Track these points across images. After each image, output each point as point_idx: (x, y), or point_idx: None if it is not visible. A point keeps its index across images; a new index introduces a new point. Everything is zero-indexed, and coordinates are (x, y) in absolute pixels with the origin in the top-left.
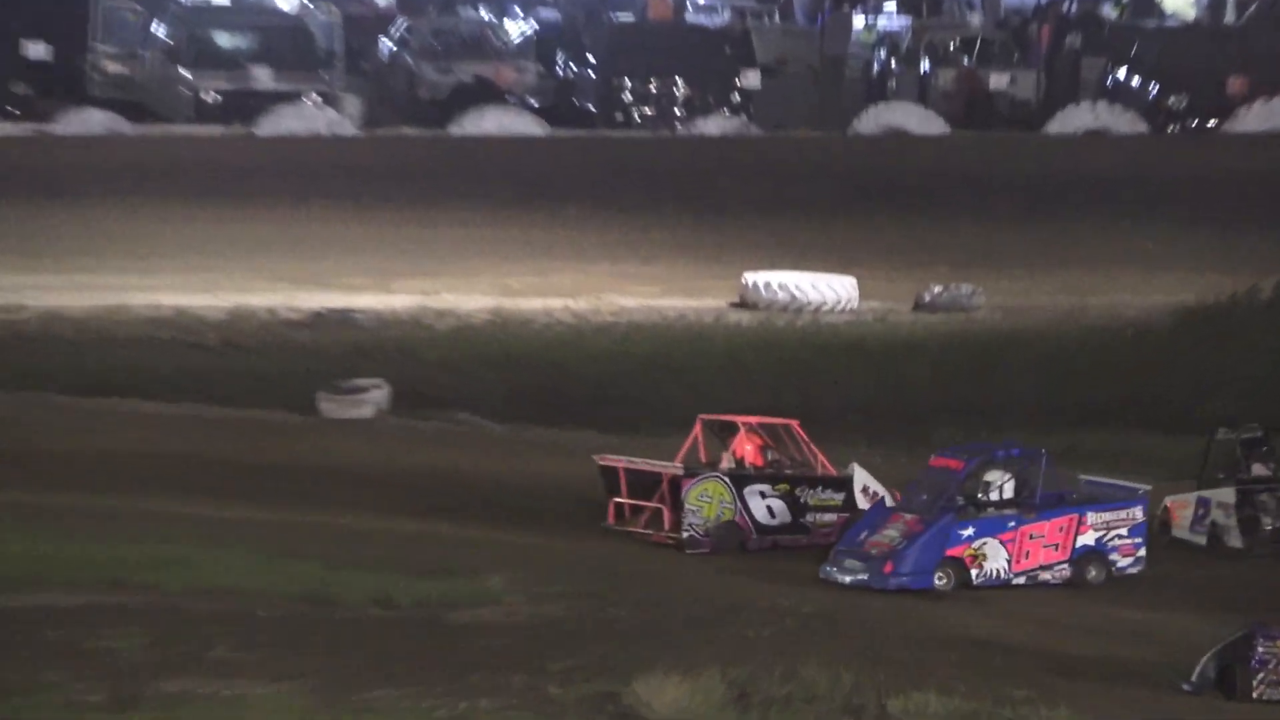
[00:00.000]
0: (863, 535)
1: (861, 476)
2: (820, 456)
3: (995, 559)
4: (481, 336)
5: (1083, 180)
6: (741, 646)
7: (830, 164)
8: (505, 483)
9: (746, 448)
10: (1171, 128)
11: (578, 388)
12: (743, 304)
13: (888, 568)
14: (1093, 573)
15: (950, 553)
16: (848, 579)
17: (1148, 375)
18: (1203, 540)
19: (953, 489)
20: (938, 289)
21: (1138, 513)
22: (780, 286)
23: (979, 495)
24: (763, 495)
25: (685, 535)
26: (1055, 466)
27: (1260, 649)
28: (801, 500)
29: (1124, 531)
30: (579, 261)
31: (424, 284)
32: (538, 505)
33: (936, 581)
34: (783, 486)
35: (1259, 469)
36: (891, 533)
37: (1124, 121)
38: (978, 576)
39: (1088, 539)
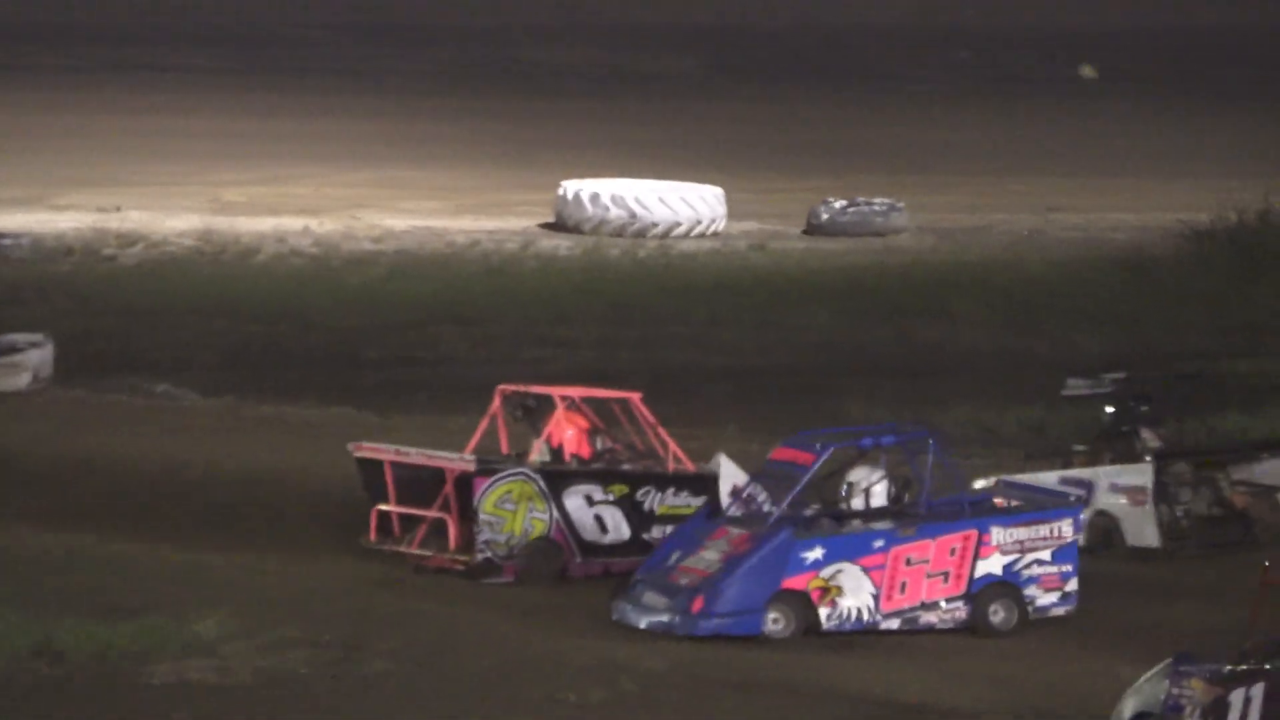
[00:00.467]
0: (673, 557)
1: (730, 472)
2: (672, 445)
3: (855, 593)
4: (184, 271)
5: (1047, 29)
6: None
7: (689, 9)
8: (220, 481)
9: (568, 433)
10: None
11: (322, 345)
12: (560, 224)
13: (696, 604)
14: (999, 614)
15: (788, 583)
16: (644, 621)
17: (1141, 326)
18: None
19: (793, 493)
20: (839, 203)
21: (1065, 528)
22: (614, 200)
23: (841, 502)
24: (590, 500)
25: (479, 558)
26: (949, 457)
27: (1175, 690)
28: (645, 507)
29: (1045, 555)
30: (324, 163)
31: (100, 196)
32: (266, 514)
33: (768, 625)
34: (618, 488)
35: (1149, 436)
36: (710, 555)
37: None
38: (829, 618)
39: (992, 565)
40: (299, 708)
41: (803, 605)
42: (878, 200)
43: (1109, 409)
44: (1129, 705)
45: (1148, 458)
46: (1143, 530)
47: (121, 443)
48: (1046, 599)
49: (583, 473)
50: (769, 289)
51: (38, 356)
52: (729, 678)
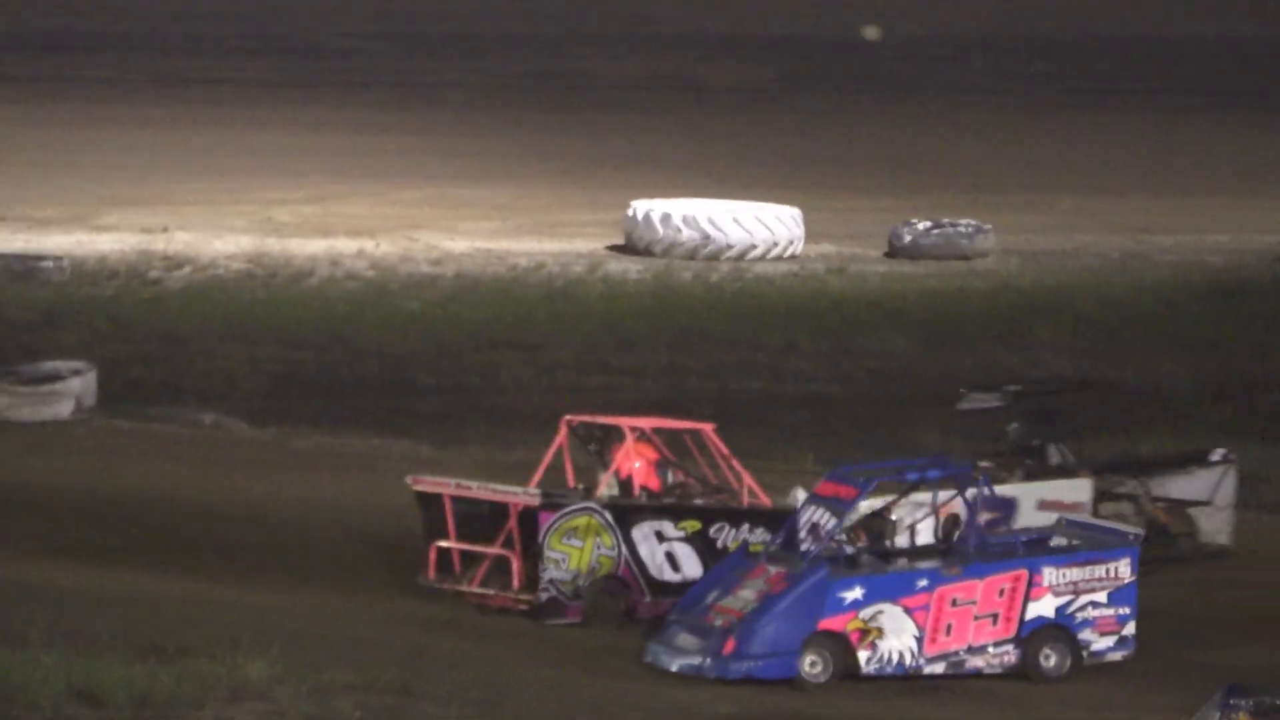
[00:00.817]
0: (710, 597)
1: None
2: (746, 478)
3: (897, 635)
4: (232, 295)
5: (1136, 45)
6: None
7: (758, 19)
8: (268, 516)
9: (636, 465)
10: None
11: (376, 373)
12: (629, 247)
13: (728, 646)
14: (1051, 659)
15: (825, 624)
16: (676, 664)
17: (1231, 354)
18: None
19: (833, 529)
20: (923, 225)
21: (1123, 569)
22: (686, 221)
23: (886, 539)
24: (660, 537)
25: (543, 597)
26: (993, 490)
27: None
28: (719, 544)
29: (1101, 597)
30: (378, 180)
31: (145, 216)
32: (318, 551)
33: (805, 668)
34: (690, 523)
35: (1056, 451)
36: (747, 594)
37: None
38: (869, 661)
39: (1043, 608)
40: None
41: (841, 647)
42: (963, 221)
43: (1014, 427)
44: None
45: (1082, 472)
46: None
47: (166, 475)
48: (1102, 643)
49: (653, 507)
50: (847, 314)
51: (80, 384)
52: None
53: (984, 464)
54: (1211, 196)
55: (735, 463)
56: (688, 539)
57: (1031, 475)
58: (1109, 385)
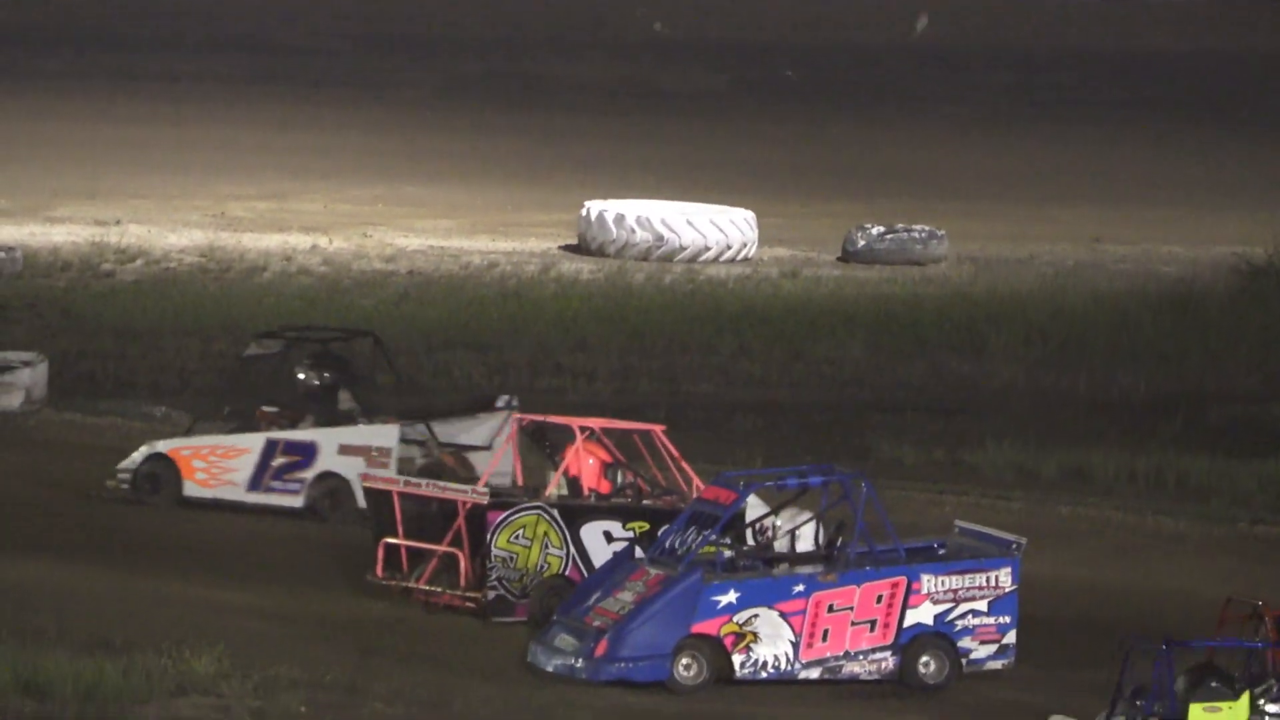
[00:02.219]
0: (593, 598)
1: (756, 510)
2: (696, 480)
3: (773, 640)
4: (185, 289)
5: (1094, 58)
6: None
7: (721, 34)
8: (218, 512)
9: (587, 465)
10: None
11: (329, 368)
12: (582, 247)
13: (600, 648)
14: (930, 666)
15: (699, 628)
16: (551, 664)
17: (1186, 365)
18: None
19: (710, 533)
20: (876, 230)
21: (1004, 578)
22: (639, 222)
23: (767, 544)
24: (609, 537)
25: (491, 595)
26: (878, 500)
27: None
28: None
29: (981, 606)
30: (334, 179)
31: (99, 209)
32: (267, 547)
33: (678, 671)
34: (639, 525)
35: (346, 397)
36: (626, 596)
37: None
38: (744, 665)
39: (922, 615)
40: None
41: (715, 651)
42: (917, 227)
43: (301, 373)
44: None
45: (390, 419)
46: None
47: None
48: (982, 651)
49: (601, 508)
50: (800, 319)
51: (30, 376)
52: None
53: (270, 409)
54: (1166, 207)
55: (685, 465)
56: (636, 540)
57: (323, 421)
58: (378, 336)
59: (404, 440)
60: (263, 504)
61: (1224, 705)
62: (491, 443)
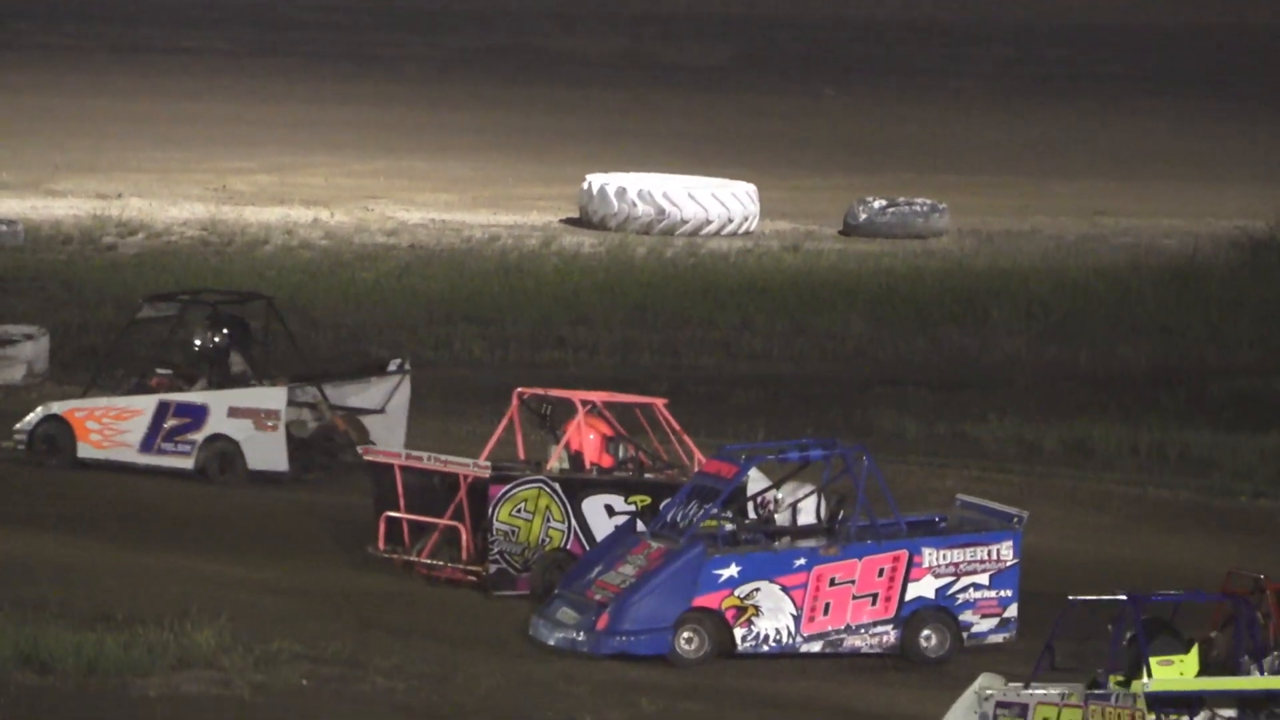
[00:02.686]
0: (594, 572)
1: (758, 484)
2: (697, 454)
3: (774, 614)
4: (186, 262)
5: (1096, 32)
6: None
7: (723, 8)
8: (219, 485)
9: (588, 439)
10: None
11: (329, 343)
12: (584, 221)
13: (602, 621)
14: (931, 640)
15: (700, 601)
16: (553, 638)
17: (1187, 339)
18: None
19: (711, 507)
20: (878, 203)
21: (1005, 552)
22: (641, 196)
23: (769, 518)
24: (610, 510)
25: (492, 569)
26: (880, 473)
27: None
28: None
29: (983, 579)
30: (336, 152)
31: (100, 182)
32: (269, 520)
33: (679, 644)
34: (641, 498)
35: (238, 360)
36: (628, 570)
37: None
38: (745, 639)
39: (924, 589)
40: None
41: (716, 625)
42: (919, 201)
43: (196, 336)
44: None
45: (279, 380)
46: (270, 454)
47: None
48: (983, 625)
49: (603, 482)
50: (802, 292)
51: (32, 349)
52: (752, 697)
53: (163, 371)
54: (1167, 180)
55: (686, 438)
56: (639, 514)
57: (214, 384)
58: (271, 299)
59: (294, 403)
60: (154, 465)
61: (1176, 659)
62: (385, 406)
